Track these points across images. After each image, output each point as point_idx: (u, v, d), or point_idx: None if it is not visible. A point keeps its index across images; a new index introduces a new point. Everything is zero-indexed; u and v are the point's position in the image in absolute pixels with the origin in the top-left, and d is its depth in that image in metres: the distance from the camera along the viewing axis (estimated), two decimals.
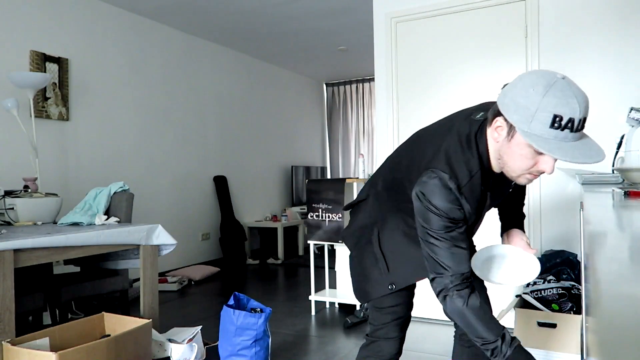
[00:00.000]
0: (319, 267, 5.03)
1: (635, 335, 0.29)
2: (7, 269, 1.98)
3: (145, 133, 4.89)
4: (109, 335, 2.19)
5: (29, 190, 2.93)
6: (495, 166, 1.27)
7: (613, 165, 2.11)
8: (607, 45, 2.89)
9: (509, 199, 1.61)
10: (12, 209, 2.67)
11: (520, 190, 1.62)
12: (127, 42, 4.70)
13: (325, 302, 3.92)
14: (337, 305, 3.87)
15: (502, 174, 1.29)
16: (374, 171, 1.65)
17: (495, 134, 1.21)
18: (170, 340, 2.46)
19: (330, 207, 3.52)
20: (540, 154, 1.14)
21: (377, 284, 1.49)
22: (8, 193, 2.76)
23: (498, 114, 1.17)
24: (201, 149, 5.62)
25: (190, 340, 2.48)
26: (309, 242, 3.63)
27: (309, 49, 6.24)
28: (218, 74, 5.91)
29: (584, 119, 1.08)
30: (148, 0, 4.47)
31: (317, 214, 3.57)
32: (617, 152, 2.11)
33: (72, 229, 2.43)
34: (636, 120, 2.09)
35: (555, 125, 1.06)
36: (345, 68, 7.31)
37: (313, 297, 3.70)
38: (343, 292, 3.85)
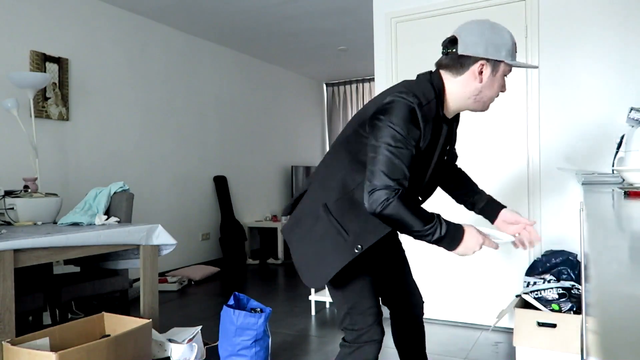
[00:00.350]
0: None
1: (635, 335, 0.29)
2: (7, 269, 1.98)
3: (145, 133, 4.89)
4: (109, 335, 2.19)
5: (29, 190, 2.93)
6: (448, 110, 1.50)
7: (613, 165, 2.11)
8: (607, 45, 2.89)
9: (444, 174, 1.75)
10: (12, 209, 2.67)
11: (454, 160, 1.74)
12: (127, 42, 4.70)
13: (325, 302, 3.92)
14: None
15: (446, 123, 1.50)
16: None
17: (478, 78, 1.43)
18: (170, 340, 2.46)
19: None
20: (505, 75, 1.47)
21: (337, 254, 1.43)
22: (8, 193, 2.76)
23: (474, 60, 1.42)
24: (201, 149, 5.62)
25: (190, 340, 2.48)
26: None
27: (309, 49, 6.24)
28: (218, 74, 5.91)
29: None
30: (148, 0, 4.47)
31: None
32: (617, 152, 2.11)
33: (72, 229, 2.43)
34: (636, 120, 2.09)
35: (514, 53, 1.45)
36: (345, 68, 7.31)
37: (313, 297, 3.70)
38: None
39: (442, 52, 1.48)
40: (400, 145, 1.34)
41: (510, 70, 1.46)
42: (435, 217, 1.34)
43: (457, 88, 1.46)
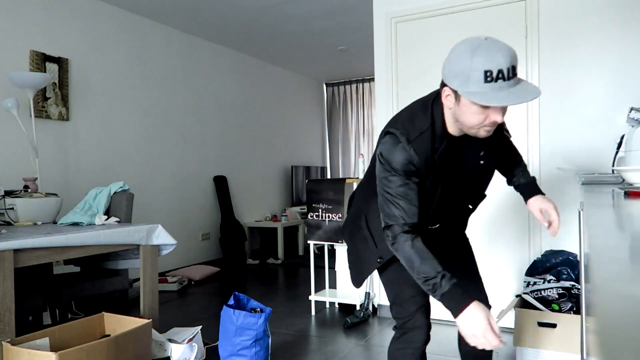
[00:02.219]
0: (319, 267, 5.03)
1: (635, 335, 0.29)
2: (7, 269, 1.98)
3: (145, 133, 4.89)
4: (109, 335, 2.19)
5: (29, 190, 2.93)
6: (454, 129, 1.42)
7: (613, 165, 2.11)
8: (607, 45, 2.89)
9: (504, 162, 1.72)
10: (12, 209, 2.67)
11: (509, 151, 1.71)
12: (127, 42, 4.70)
13: (325, 302, 3.92)
14: (337, 305, 3.87)
15: (464, 139, 1.44)
16: None
17: (447, 102, 1.35)
18: (170, 340, 2.46)
19: (330, 207, 3.52)
20: (487, 107, 1.27)
21: (368, 262, 1.65)
22: (8, 193, 2.76)
23: (443, 84, 1.34)
24: (201, 149, 5.62)
25: (190, 340, 2.48)
26: (309, 242, 3.63)
27: (309, 49, 6.24)
28: (218, 74, 5.91)
29: (513, 67, 1.22)
30: (148, 0, 4.47)
31: (317, 214, 3.57)
32: (617, 152, 2.11)
33: (72, 229, 2.43)
34: (636, 120, 2.09)
35: (488, 79, 1.21)
36: (345, 68, 7.31)
37: (313, 297, 3.70)
38: (343, 292, 3.85)
39: None
40: (391, 181, 1.41)
41: (483, 106, 1.26)
42: (439, 273, 1.32)
43: (446, 111, 1.42)
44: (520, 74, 3.11)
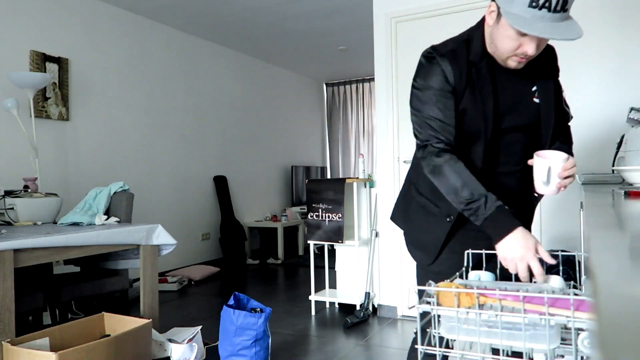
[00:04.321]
0: (319, 267, 5.03)
1: (635, 335, 0.29)
2: (7, 269, 1.98)
3: (145, 133, 4.89)
4: (109, 335, 2.19)
5: (29, 190, 2.93)
6: (491, 51, 1.33)
7: (613, 165, 2.11)
8: (607, 45, 2.89)
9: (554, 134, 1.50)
10: (12, 209, 2.67)
11: (562, 113, 1.52)
12: (127, 42, 4.70)
13: (325, 302, 3.92)
14: (337, 305, 3.87)
15: (511, 71, 1.33)
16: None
17: (489, 18, 1.27)
18: (170, 340, 2.46)
19: (330, 207, 3.52)
20: (524, 35, 1.19)
21: (434, 229, 1.42)
22: (8, 193, 2.76)
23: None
24: (201, 149, 5.62)
25: (190, 340, 2.48)
26: (309, 242, 3.63)
27: (309, 49, 6.24)
28: (218, 74, 5.91)
29: (564, 1, 1.12)
30: (148, 0, 4.47)
31: (317, 213, 3.57)
32: (617, 152, 2.11)
33: (72, 229, 2.43)
34: (636, 120, 2.09)
35: (533, 4, 1.13)
36: (345, 68, 7.31)
37: (313, 297, 3.70)
38: (343, 292, 3.85)
39: None
40: (424, 100, 1.33)
41: (520, 33, 1.18)
42: (482, 195, 1.22)
43: (486, 29, 1.33)
44: None
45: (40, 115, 3.84)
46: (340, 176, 8.11)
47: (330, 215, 3.52)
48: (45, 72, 3.90)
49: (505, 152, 1.36)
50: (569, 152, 1.42)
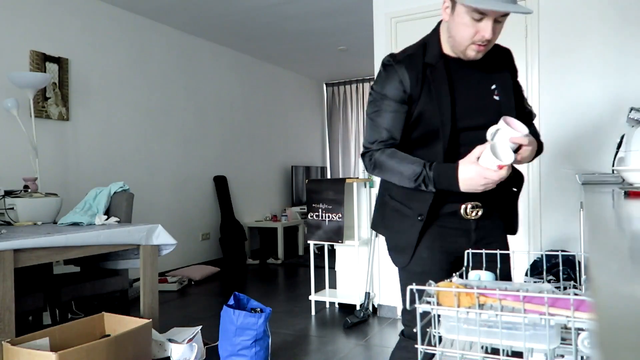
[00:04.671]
0: (319, 267, 5.03)
1: (635, 335, 0.29)
2: (7, 269, 1.98)
3: (145, 133, 4.89)
4: (109, 335, 2.19)
5: (29, 190, 2.93)
6: (448, 48, 1.41)
7: (613, 165, 2.11)
8: (607, 45, 2.89)
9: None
10: (12, 209, 2.67)
11: (521, 101, 1.56)
12: (127, 42, 4.70)
13: (325, 302, 3.92)
14: (337, 305, 3.87)
15: (469, 65, 1.39)
16: None
17: (444, 14, 1.36)
18: (170, 340, 2.46)
19: (330, 207, 3.52)
20: (479, 20, 1.28)
21: (408, 230, 1.47)
22: (8, 193, 2.76)
23: None
24: (201, 149, 5.62)
25: (190, 340, 2.48)
26: (309, 242, 3.63)
27: (309, 49, 6.24)
28: (218, 74, 5.91)
29: None
30: (148, 0, 4.47)
31: (317, 213, 3.57)
32: (617, 152, 2.11)
33: (72, 229, 2.43)
34: (636, 120, 2.09)
35: None
36: (345, 68, 7.31)
37: (313, 297, 3.70)
38: (343, 292, 3.85)
39: None
40: (377, 107, 1.41)
41: (475, 10, 1.27)
42: (422, 164, 1.34)
43: (442, 28, 1.43)
44: (520, 73, 3.10)
45: (40, 115, 3.83)
46: (340, 176, 8.11)
47: (330, 215, 3.52)
48: (45, 72, 3.90)
49: (466, 151, 1.35)
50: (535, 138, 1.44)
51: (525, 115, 1.55)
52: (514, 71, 1.52)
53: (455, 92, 1.39)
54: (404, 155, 1.38)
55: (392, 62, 1.40)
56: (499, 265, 1.24)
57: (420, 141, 1.42)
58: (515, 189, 1.50)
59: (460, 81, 1.40)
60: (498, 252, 1.22)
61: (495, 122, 1.32)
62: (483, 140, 1.33)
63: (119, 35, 4.61)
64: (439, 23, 1.43)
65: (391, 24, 3.50)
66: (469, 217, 1.43)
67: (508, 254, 1.46)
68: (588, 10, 2.92)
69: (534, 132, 1.50)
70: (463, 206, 1.42)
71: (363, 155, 1.47)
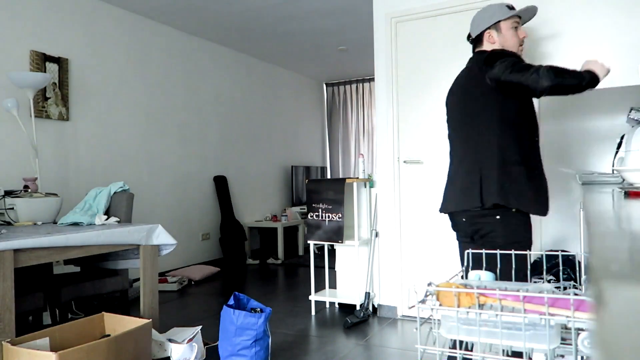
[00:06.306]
0: (319, 267, 5.04)
1: (635, 335, 0.29)
2: (7, 269, 1.98)
3: (145, 133, 4.89)
4: (109, 335, 2.19)
5: (29, 190, 2.93)
6: None
7: (613, 165, 2.11)
8: (607, 45, 2.88)
9: None
10: (12, 209, 2.67)
11: None
12: (127, 42, 4.70)
13: (325, 302, 3.92)
14: (337, 305, 3.87)
15: None
16: None
17: (490, 41, 1.99)
18: (170, 340, 2.46)
19: (330, 207, 3.52)
20: (516, 28, 1.98)
21: (541, 186, 1.93)
22: (8, 193, 2.76)
23: (482, 34, 2.01)
24: (201, 149, 5.62)
25: (190, 340, 2.48)
26: (309, 242, 3.63)
27: (309, 49, 6.24)
28: (218, 74, 5.91)
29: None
30: (148, 0, 4.47)
31: (317, 214, 3.57)
32: (617, 152, 2.11)
33: (72, 229, 2.43)
34: (636, 120, 2.09)
35: (509, 7, 1.99)
36: (345, 68, 7.31)
37: (313, 297, 3.70)
38: (343, 292, 3.85)
39: (470, 42, 2.12)
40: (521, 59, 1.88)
41: (515, 21, 1.97)
42: (578, 71, 1.73)
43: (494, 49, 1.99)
44: None
45: (40, 115, 3.83)
46: (340, 176, 8.11)
47: (330, 215, 3.52)
48: (45, 72, 3.90)
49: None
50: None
51: None
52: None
53: None
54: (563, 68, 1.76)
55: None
56: (499, 266, 1.24)
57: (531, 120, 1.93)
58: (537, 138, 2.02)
59: None
60: (498, 252, 1.22)
61: None
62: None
63: (119, 35, 4.61)
64: (490, 41, 2.02)
65: (391, 24, 3.50)
66: None
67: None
68: (588, 10, 2.92)
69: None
70: None
71: (528, 69, 1.72)
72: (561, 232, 3.00)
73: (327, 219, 3.53)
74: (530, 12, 2.01)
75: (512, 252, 1.21)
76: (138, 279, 3.50)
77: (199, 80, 5.60)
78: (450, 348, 1.41)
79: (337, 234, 3.48)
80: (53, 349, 2.03)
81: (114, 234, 2.42)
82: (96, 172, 4.35)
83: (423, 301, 0.95)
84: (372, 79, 7.79)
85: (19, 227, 2.56)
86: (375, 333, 3.21)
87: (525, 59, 1.91)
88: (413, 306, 0.97)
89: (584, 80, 1.68)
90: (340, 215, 3.47)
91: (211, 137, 5.78)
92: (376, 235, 3.62)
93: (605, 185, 1.76)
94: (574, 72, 1.70)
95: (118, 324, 2.33)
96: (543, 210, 1.83)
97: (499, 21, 1.95)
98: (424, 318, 0.95)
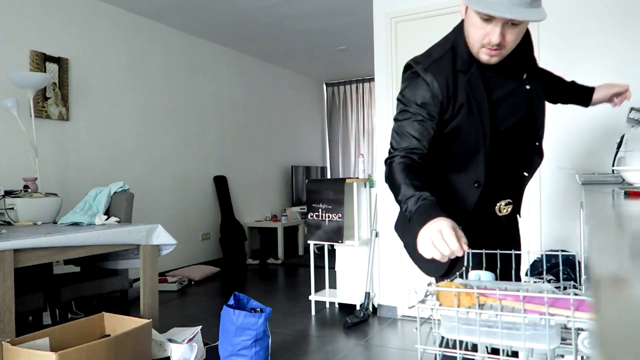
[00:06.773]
0: (319, 267, 5.03)
1: (635, 335, 0.29)
2: (7, 269, 1.98)
3: (145, 133, 4.89)
4: (109, 335, 2.19)
5: (29, 190, 2.93)
6: (469, 46, 1.31)
7: (613, 165, 2.11)
8: (607, 45, 2.89)
9: (559, 91, 1.80)
10: (12, 209, 2.67)
11: (553, 77, 1.75)
12: (127, 42, 4.70)
13: (325, 302, 3.92)
14: (337, 305, 3.87)
15: (502, 65, 1.31)
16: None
17: (462, 13, 1.30)
18: (170, 340, 2.46)
19: (330, 207, 3.52)
20: (488, 22, 1.20)
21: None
22: (8, 193, 2.76)
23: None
24: (201, 149, 5.62)
25: (190, 340, 2.48)
26: (309, 242, 3.63)
27: (309, 49, 6.24)
28: (218, 74, 5.91)
29: None
30: (148, 0, 4.47)
31: (317, 213, 3.57)
32: (617, 152, 2.11)
33: (72, 229, 2.43)
34: (636, 120, 2.09)
35: None
36: (345, 68, 7.31)
37: (313, 297, 3.70)
38: (343, 292, 3.85)
39: None
40: (406, 116, 1.32)
41: (486, 15, 1.19)
42: (416, 194, 1.19)
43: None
44: None
45: (40, 115, 3.83)
46: (340, 176, 8.11)
47: (330, 215, 3.52)
48: (45, 72, 3.90)
49: (511, 147, 1.39)
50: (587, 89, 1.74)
51: (567, 85, 1.75)
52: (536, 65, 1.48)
53: (493, 96, 1.34)
54: (413, 175, 1.25)
55: (417, 70, 1.32)
56: (498, 266, 1.24)
57: (459, 153, 1.36)
58: (526, 174, 1.48)
59: (497, 81, 1.34)
60: (498, 252, 1.22)
61: (529, 114, 1.39)
62: (524, 133, 1.40)
63: (119, 35, 4.61)
64: (462, 21, 1.33)
65: (391, 24, 3.50)
66: (501, 214, 1.47)
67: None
68: (588, 10, 2.92)
69: (576, 86, 1.75)
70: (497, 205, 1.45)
71: (385, 161, 1.34)
72: (561, 232, 3.00)
73: (327, 219, 3.53)
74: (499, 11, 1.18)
75: (512, 252, 1.21)
76: (138, 279, 3.49)
77: (199, 80, 5.60)
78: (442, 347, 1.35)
79: (337, 234, 3.48)
80: (53, 349, 2.03)
81: (114, 234, 2.42)
82: (96, 172, 4.35)
83: (423, 301, 0.95)
84: (372, 79, 7.79)
85: (19, 227, 2.56)
86: (375, 333, 3.21)
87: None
88: (413, 306, 0.97)
89: (401, 204, 1.22)
90: (340, 215, 3.47)
91: (211, 137, 5.78)
92: (376, 235, 3.62)
93: (605, 185, 1.76)
94: (400, 192, 1.22)
95: (118, 324, 2.33)
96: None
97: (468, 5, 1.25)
98: (424, 318, 0.95)
